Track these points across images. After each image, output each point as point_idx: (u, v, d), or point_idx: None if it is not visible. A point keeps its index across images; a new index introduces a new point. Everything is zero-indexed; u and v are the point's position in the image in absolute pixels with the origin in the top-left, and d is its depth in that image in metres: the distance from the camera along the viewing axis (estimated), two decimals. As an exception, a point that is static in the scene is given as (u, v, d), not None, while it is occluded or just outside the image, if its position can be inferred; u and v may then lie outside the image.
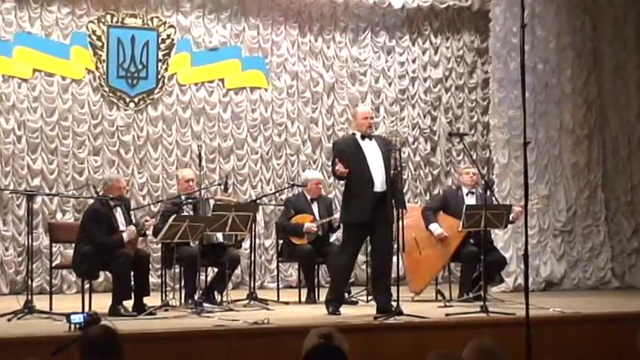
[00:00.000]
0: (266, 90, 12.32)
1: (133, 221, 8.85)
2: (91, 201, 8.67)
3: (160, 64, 11.76)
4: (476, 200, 9.63)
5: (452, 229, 9.48)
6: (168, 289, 9.28)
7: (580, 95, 11.67)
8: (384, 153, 8.03)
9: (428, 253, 9.61)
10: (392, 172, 7.93)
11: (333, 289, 8.22)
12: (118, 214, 8.44)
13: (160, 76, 11.76)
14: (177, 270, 9.05)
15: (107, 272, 9.07)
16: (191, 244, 8.84)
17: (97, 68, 11.51)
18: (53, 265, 9.32)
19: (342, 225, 8.90)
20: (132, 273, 8.21)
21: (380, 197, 7.88)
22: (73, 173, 11.37)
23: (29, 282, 8.44)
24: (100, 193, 8.51)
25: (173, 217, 8.32)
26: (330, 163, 9.47)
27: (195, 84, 12.02)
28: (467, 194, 9.79)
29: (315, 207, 10.01)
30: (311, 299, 9.66)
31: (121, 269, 8.12)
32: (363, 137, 8.12)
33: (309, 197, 10.07)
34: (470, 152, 10.96)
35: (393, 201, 7.92)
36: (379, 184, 7.94)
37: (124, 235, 8.26)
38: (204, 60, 12.03)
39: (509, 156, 11.21)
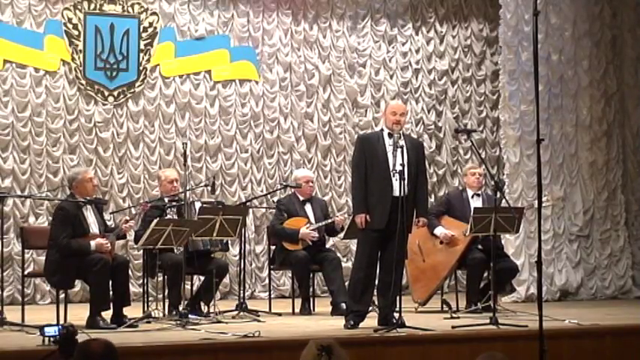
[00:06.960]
0: (257, 83, 12.33)
1: (106, 221, 8.78)
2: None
3: (141, 54, 11.76)
4: (482, 203, 9.64)
5: (457, 233, 9.50)
6: (150, 299, 9.27)
7: (598, 88, 11.68)
8: (411, 154, 7.86)
9: (432, 260, 9.62)
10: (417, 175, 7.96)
11: (352, 303, 8.08)
12: (88, 212, 8.33)
13: (141, 68, 11.76)
14: (161, 278, 9.05)
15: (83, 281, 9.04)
16: (175, 250, 8.84)
17: (72, 59, 11.51)
18: (25, 273, 9.31)
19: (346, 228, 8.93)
20: (110, 281, 8.17)
21: (400, 202, 7.69)
22: (46, 173, 11.36)
23: (-1, 292, 8.44)
24: (68, 192, 8.44)
25: (156, 221, 8.31)
26: (324, 162, 9.41)
27: (180, 76, 12.02)
28: (472, 197, 9.79)
29: (308, 209, 9.92)
30: (305, 310, 9.64)
31: (98, 277, 8.04)
32: (390, 135, 8.02)
33: (301, 198, 9.99)
34: (478, 150, 10.95)
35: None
36: (400, 187, 7.73)
37: (92, 243, 8.08)
38: (190, 50, 12.03)
39: (521, 154, 11.22)
